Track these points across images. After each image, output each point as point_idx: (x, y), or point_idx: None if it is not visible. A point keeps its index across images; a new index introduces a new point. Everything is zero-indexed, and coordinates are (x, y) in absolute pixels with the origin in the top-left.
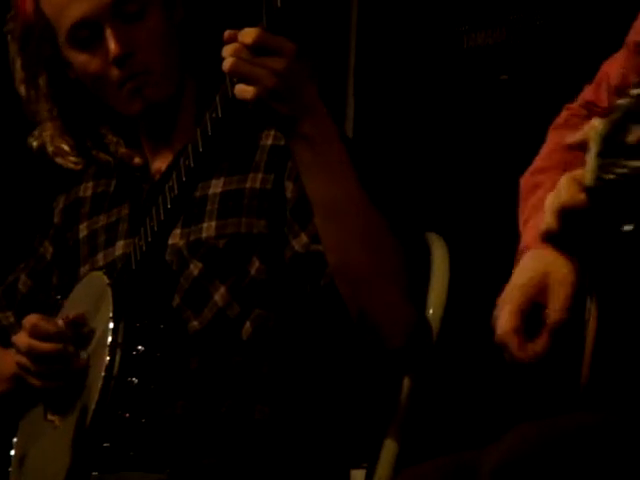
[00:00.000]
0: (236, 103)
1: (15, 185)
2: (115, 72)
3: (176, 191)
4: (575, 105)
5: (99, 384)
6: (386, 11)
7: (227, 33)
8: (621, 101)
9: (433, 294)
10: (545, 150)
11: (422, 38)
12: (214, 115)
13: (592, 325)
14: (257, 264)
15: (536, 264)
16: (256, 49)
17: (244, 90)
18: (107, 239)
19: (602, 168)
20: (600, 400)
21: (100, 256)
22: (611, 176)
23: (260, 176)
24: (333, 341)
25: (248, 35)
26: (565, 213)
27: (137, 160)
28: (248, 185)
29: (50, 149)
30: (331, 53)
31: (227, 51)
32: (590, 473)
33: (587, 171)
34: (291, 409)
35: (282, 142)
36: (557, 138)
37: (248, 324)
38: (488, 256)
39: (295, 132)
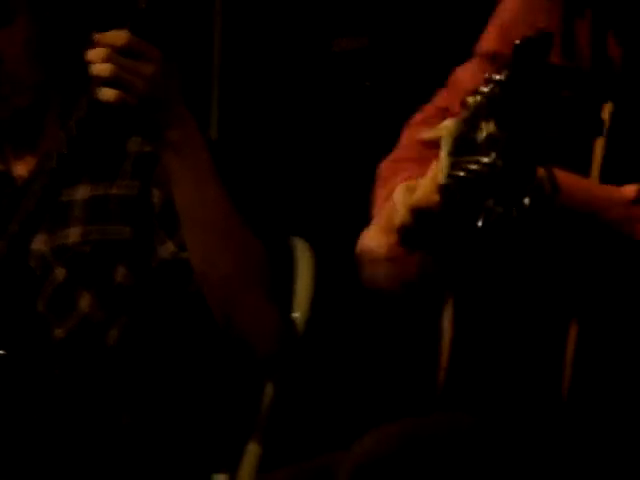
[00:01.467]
0: (102, 106)
1: None
2: None
3: (39, 193)
4: (430, 107)
5: None
6: (252, 15)
7: (97, 36)
8: (471, 100)
9: (298, 299)
10: (403, 142)
11: (288, 42)
12: (79, 117)
13: (448, 328)
14: (123, 271)
15: None
16: (123, 52)
17: (107, 93)
18: None
19: (453, 166)
20: (457, 402)
21: None
22: (461, 173)
23: (126, 182)
24: (200, 348)
25: (115, 37)
26: (419, 211)
27: None
28: (114, 191)
29: None
30: (195, 57)
31: (94, 54)
32: (446, 472)
33: (439, 170)
34: (156, 414)
35: (148, 149)
36: (415, 133)
37: (114, 331)
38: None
39: (161, 139)
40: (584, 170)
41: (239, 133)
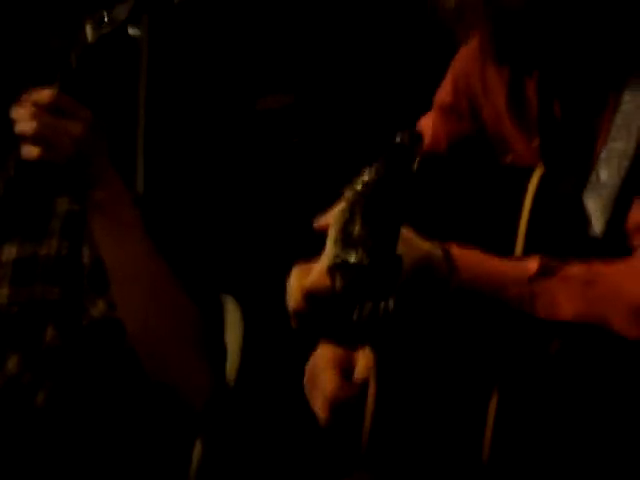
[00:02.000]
0: (28, 165)
1: None
2: None
3: None
4: None
5: None
6: (177, 72)
7: (25, 96)
8: (347, 193)
9: (228, 357)
10: None
11: (213, 99)
12: (7, 177)
13: (371, 398)
14: (52, 332)
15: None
16: (53, 110)
17: (30, 150)
18: None
19: (336, 256)
20: (378, 462)
21: None
22: (340, 263)
23: (55, 242)
24: (131, 404)
25: (44, 96)
26: (312, 295)
27: None
28: (43, 251)
29: None
30: (121, 114)
31: (22, 112)
32: None
33: (325, 256)
34: (87, 474)
35: (77, 207)
36: None
37: (42, 392)
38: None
39: (88, 199)
40: (509, 242)
41: (165, 190)
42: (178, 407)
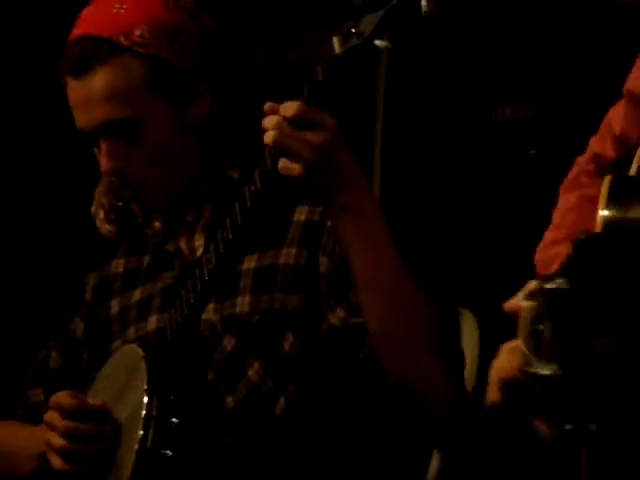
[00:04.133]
0: (275, 176)
1: (47, 262)
2: (113, 179)
3: (214, 263)
4: (583, 159)
5: (132, 458)
6: (414, 83)
7: (268, 105)
8: (533, 287)
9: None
10: (556, 218)
11: (450, 111)
12: (253, 188)
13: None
14: (291, 339)
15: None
16: (297, 122)
17: (289, 166)
18: (139, 314)
19: (525, 359)
20: None
21: (132, 330)
22: (529, 370)
23: (294, 251)
24: (372, 414)
25: (290, 108)
26: (507, 385)
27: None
28: (282, 261)
29: (92, 208)
30: (358, 123)
31: (268, 123)
32: None
33: (517, 353)
34: None
35: (315, 217)
36: (566, 203)
37: (282, 400)
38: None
39: (334, 204)
40: None
41: (401, 197)
42: (419, 417)
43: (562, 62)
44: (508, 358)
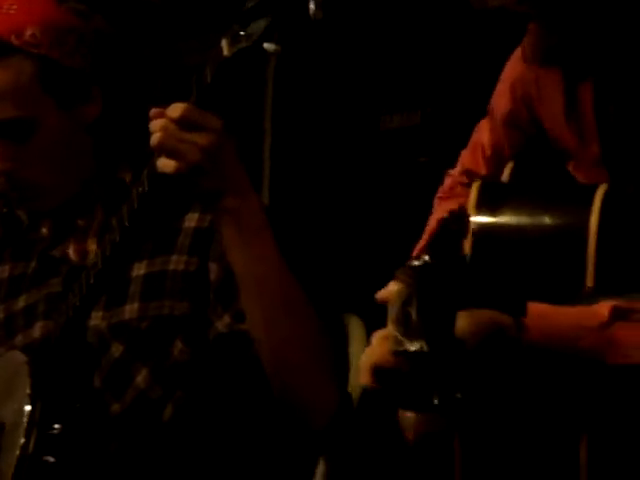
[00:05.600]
0: (162, 178)
1: None
2: (2, 180)
3: (100, 266)
4: (456, 172)
5: (13, 464)
6: (303, 88)
7: (154, 110)
8: (401, 276)
9: (351, 375)
10: (430, 226)
11: (339, 120)
12: (141, 189)
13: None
14: (180, 346)
15: None
16: (183, 124)
17: (165, 164)
18: (25, 321)
19: (395, 340)
20: None
21: (19, 338)
22: (399, 350)
23: (184, 258)
24: (255, 421)
25: (175, 110)
26: (378, 371)
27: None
28: (171, 267)
29: None
30: (247, 128)
31: (154, 126)
32: None
33: (388, 337)
34: None
35: (205, 225)
36: (441, 212)
37: (170, 406)
38: None
39: (220, 207)
40: (579, 274)
41: (289, 203)
42: (301, 425)
43: (447, 72)
44: (379, 343)
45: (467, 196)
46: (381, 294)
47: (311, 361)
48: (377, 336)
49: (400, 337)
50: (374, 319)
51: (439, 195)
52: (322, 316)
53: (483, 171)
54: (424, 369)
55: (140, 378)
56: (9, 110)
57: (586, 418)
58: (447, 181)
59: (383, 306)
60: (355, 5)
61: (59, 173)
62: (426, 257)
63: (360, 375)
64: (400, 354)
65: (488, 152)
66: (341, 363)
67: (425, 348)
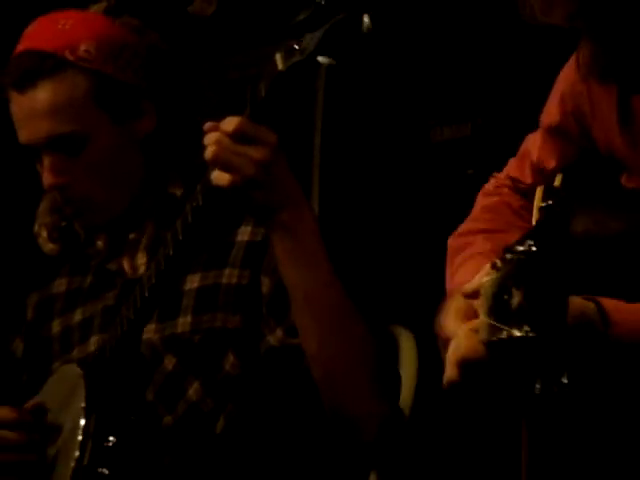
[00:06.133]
0: (216, 192)
1: None
2: (56, 194)
3: (154, 280)
4: (502, 175)
5: (68, 475)
6: (353, 101)
7: (208, 124)
8: (499, 264)
9: (402, 388)
10: (473, 213)
11: (389, 131)
12: (195, 204)
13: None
14: (232, 359)
15: None
16: (238, 137)
17: (220, 177)
18: (81, 335)
19: (491, 329)
20: None
21: (75, 352)
22: (496, 338)
23: (236, 272)
24: (306, 434)
25: (230, 124)
26: (465, 364)
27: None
28: (224, 280)
29: (35, 227)
30: (297, 140)
31: (209, 139)
32: None
33: (480, 328)
34: None
35: (258, 238)
36: (485, 202)
37: (222, 419)
38: None
39: (274, 221)
40: None
41: (339, 218)
42: (351, 437)
43: (498, 84)
44: (467, 336)
45: (511, 197)
46: (470, 286)
47: (362, 374)
48: (464, 329)
49: (497, 324)
50: (423, 331)
51: (484, 191)
52: (372, 329)
53: (528, 180)
54: (528, 354)
55: (192, 391)
56: (64, 125)
57: None
58: (492, 181)
59: (431, 318)
60: (406, 17)
61: (111, 188)
62: (530, 242)
63: (446, 370)
64: (497, 343)
65: (534, 161)
66: (392, 375)
67: (531, 333)
